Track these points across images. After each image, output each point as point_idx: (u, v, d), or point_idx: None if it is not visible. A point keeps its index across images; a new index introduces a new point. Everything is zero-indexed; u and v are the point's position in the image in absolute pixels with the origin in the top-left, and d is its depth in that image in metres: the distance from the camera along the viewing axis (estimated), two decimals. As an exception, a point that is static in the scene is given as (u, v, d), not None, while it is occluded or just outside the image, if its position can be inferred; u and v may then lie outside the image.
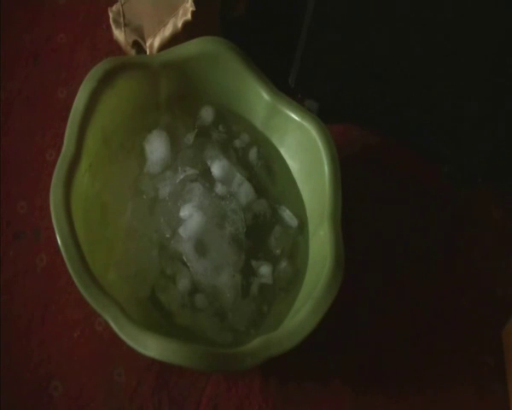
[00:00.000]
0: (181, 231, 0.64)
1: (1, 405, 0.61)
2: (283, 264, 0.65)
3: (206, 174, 0.68)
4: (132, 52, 0.77)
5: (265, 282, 0.64)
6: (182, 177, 0.66)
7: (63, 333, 0.65)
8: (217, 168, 0.68)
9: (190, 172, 0.67)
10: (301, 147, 0.68)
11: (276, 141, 0.70)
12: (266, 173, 0.70)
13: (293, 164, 0.70)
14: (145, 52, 0.75)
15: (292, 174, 0.70)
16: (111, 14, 0.78)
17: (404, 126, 0.72)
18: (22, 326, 0.65)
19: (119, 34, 0.78)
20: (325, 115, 0.69)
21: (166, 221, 0.64)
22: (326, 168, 0.63)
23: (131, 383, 0.64)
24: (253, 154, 0.70)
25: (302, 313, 0.56)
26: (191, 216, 0.64)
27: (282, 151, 0.70)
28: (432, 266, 0.72)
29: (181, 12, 0.69)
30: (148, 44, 0.74)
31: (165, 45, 0.72)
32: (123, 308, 0.54)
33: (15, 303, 0.66)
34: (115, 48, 0.79)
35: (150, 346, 0.52)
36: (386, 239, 0.73)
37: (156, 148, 0.67)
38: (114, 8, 0.77)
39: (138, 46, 0.77)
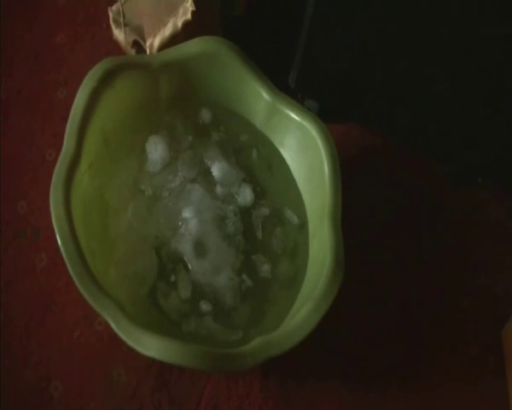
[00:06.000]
0: (180, 231, 0.64)
1: (1, 405, 0.61)
2: (284, 263, 0.65)
3: (205, 175, 0.68)
4: (132, 52, 0.77)
5: (266, 281, 0.64)
6: (182, 177, 0.66)
7: (63, 333, 0.65)
8: (216, 169, 0.67)
9: (190, 172, 0.67)
10: (301, 147, 0.68)
11: (276, 141, 0.70)
12: (266, 174, 0.70)
13: (293, 164, 0.70)
14: (145, 52, 0.75)
15: (292, 174, 0.70)
16: (111, 14, 0.78)
17: (404, 126, 0.72)
18: (22, 326, 0.65)
19: (119, 34, 0.78)
20: (325, 115, 0.69)
21: (166, 222, 0.64)
22: (326, 168, 0.63)
23: (131, 383, 0.64)
24: (253, 154, 0.70)
25: (302, 313, 0.56)
26: (191, 217, 0.64)
27: (282, 151, 0.70)
28: (432, 265, 0.73)
29: (181, 12, 0.69)
30: (148, 44, 0.74)
31: (165, 45, 0.72)
32: (123, 308, 0.54)
33: (15, 303, 0.66)
34: (115, 48, 0.79)
35: (150, 346, 0.52)
36: (386, 238, 0.73)
37: (156, 148, 0.67)
38: (114, 7, 0.77)
39: (138, 46, 0.77)
